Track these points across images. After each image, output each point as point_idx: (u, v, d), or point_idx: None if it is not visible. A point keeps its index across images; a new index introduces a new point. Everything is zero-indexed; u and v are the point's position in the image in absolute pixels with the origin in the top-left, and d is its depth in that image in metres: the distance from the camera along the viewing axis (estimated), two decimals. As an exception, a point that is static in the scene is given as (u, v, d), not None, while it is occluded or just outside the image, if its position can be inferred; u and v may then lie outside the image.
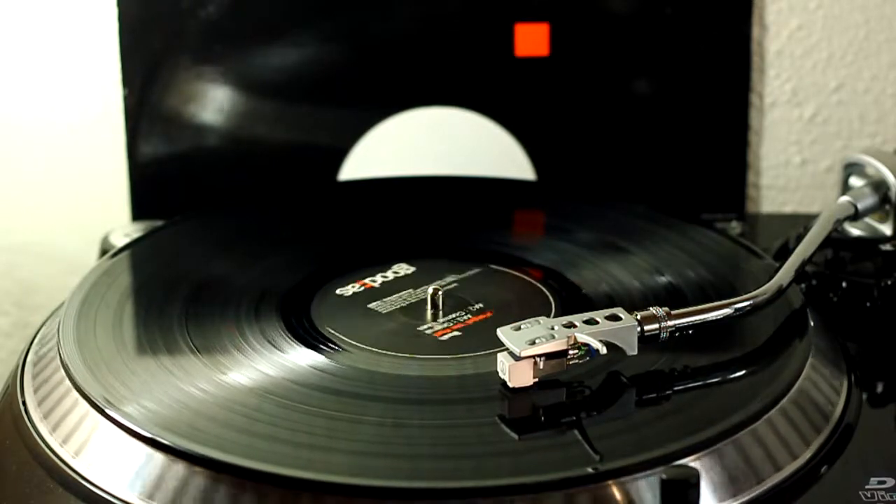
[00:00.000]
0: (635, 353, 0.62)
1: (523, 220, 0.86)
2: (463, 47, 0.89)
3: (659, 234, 0.77)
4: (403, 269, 0.73)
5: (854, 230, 0.77)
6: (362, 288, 0.72)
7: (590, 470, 0.54)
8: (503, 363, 0.60)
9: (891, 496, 0.58)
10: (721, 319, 0.64)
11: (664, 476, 0.54)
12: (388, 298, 0.70)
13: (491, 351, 0.63)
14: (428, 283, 0.70)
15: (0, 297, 0.95)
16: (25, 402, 0.63)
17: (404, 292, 0.71)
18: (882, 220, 0.76)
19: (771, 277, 0.67)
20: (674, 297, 0.69)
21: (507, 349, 0.60)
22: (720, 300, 0.65)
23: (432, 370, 0.64)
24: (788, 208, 0.95)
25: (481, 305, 0.69)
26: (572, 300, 0.70)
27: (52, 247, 0.94)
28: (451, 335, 0.67)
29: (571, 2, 0.88)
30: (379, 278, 0.72)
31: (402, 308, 0.69)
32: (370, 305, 0.70)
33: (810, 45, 0.92)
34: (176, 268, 0.74)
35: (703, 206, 0.90)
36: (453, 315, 0.68)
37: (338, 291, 0.71)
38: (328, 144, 0.90)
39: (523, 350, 0.60)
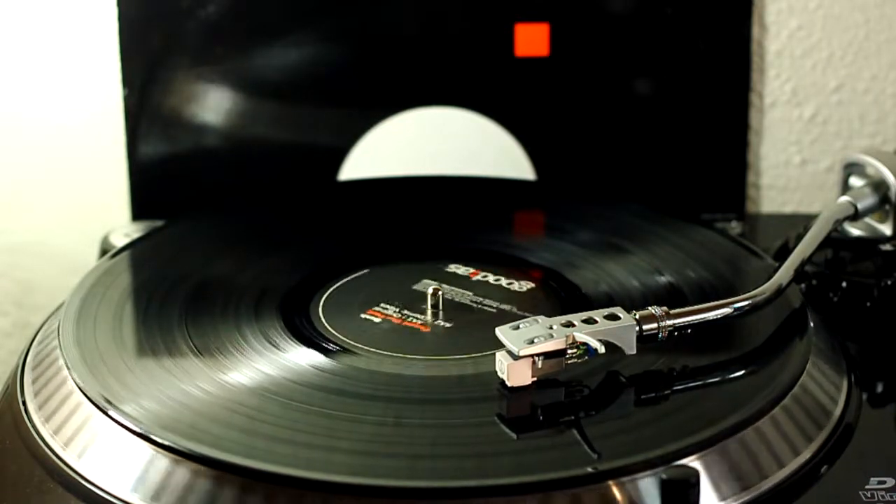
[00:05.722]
0: (634, 352, 0.62)
1: (523, 220, 0.86)
2: (463, 47, 0.89)
3: (659, 234, 0.77)
4: (525, 285, 0.72)
5: (854, 230, 0.77)
6: (466, 272, 0.72)
7: (589, 469, 0.54)
8: (502, 362, 0.60)
9: (891, 496, 0.58)
10: (720, 319, 0.64)
11: (664, 476, 0.54)
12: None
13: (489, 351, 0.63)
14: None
15: (0, 297, 0.95)
16: (25, 402, 0.63)
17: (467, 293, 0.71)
18: (882, 220, 0.76)
19: (770, 277, 0.67)
20: (674, 297, 0.69)
21: (505, 348, 0.61)
22: (720, 300, 0.65)
23: (432, 370, 0.64)
24: (788, 208, 0.95)
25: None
26: (572, 300, 0.70)
27: (52, 247, 0.94)
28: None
29: (571, 2, 0.88)
30: (489, 278, 0.72)
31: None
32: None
33: (810, 45, 0.92)
34: (176, 268, 0.74)
35: (703, 206, 0.90)
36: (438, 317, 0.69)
37: (450, 268, 0.72)
38: (328, 144, 0.90)
39: (522, 349, 0.60)
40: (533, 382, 0.60)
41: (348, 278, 0.73)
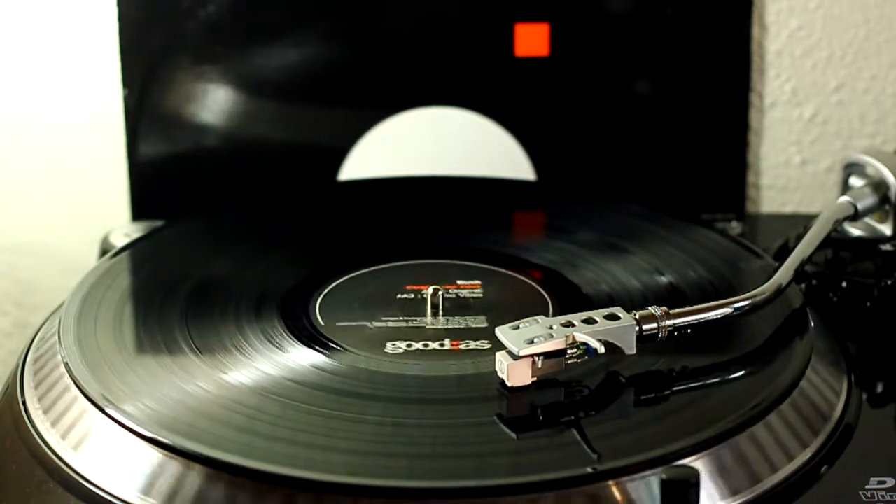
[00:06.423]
0: (634, 352, 0.62)
1: (523, 220, 0.86)
2: (463, 47, 0.89)
3: (659, 234, 0.77)
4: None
5: (854, 230, 0.77)
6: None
7: (588, 470, 0.54)
8: (502, 362, 0.60)
9: (891, 496, 0.58)
10: (720, 319, 0.64)
11: (664, 476, 0.54)
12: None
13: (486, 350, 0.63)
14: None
15: (0, 297, 0.95)
16: (25, 402, 0.63)
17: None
18: (882, 220, 0.76)
19: (770, 277, 0.67)
20: (674, 297, 0.69)
21: (505, 348, 0.60)
22: (720, 300, 0.65)
23: (432, 370, 0.64)
24: (788, 208, 0.95)
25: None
26: (572, 300, 0.70)
27: (52, 247, 0.94)
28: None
29: (571, 2, 0.88)
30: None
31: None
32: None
33: (810, 45, 0.92)
34: (176, 268, 0.74)
35: (703, 206, 0.90)
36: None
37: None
38: (328, 144, 0.90)
39: (522, 349, 0.60)
40: (533, 382, 0.60)
41: (348, 278, 0.73)
